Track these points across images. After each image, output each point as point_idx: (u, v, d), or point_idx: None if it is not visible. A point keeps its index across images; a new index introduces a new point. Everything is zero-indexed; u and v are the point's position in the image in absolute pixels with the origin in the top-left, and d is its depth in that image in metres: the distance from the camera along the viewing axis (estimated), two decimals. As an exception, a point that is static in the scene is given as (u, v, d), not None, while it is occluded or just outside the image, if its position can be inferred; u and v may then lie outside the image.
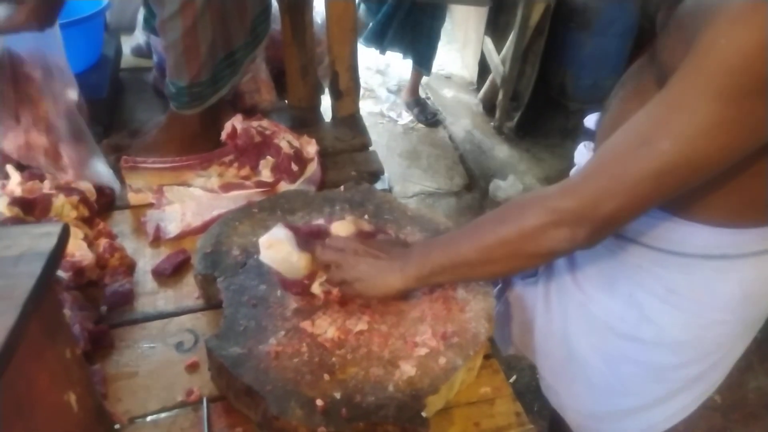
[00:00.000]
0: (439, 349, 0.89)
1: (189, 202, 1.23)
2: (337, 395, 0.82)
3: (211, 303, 1.04)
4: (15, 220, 1.05)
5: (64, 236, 0.60)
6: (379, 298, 0.93)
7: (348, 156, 1.48)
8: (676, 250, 0.83)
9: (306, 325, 0.92)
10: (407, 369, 0.86)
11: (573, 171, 1.00)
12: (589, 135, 1.01)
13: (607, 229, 0.75)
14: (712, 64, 0.62)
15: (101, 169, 1.24)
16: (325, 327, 0.91)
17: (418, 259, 0.88)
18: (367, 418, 0.80)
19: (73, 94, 1.19)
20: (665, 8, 0.81)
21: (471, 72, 3.50)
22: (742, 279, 0.84)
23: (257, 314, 0.93)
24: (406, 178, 2.74)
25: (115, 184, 1.25)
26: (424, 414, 0.82)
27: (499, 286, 1.16)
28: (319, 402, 0.81)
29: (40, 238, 0.60)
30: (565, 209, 0.74)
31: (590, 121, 1.04)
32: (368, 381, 0.85)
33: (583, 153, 1.00)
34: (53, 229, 0.60)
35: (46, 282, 0.57)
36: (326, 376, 0.85)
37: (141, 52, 1.77)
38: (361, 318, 0.93)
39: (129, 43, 1.78)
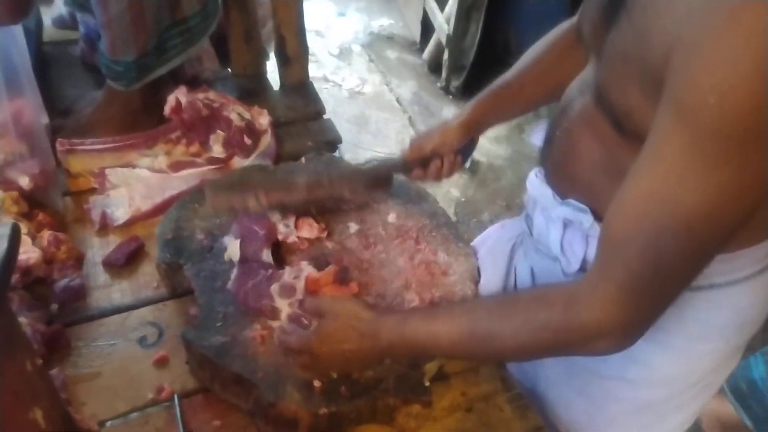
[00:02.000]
0: None
1: (136, 184, 1.15)
2: (334, 374, 0.80)
3: (177, 293, 0.98)
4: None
5: (15, 238, 0.53)
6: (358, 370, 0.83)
7: (302, 126, 1.41)
8: None
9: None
10: None
11: (529, 204, 0.93)
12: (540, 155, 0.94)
13: (652, 324, 0.67)
14: (710, 129, 0.52)
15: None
16: None
17: (408, 356, 0.81)
18: (368, 393, 0.79)
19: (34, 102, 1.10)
20: (589, 23, 0.74)
21: (414, 31, 3.43)
22: (737, 307, 0.77)
23: (234, 298, 0.88)
24: (356, 144, 2.69)
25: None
26: (426, 383, 0.81)
27: None
28: (316, 383, 0.78)
29: (-15, 243, 0.52)
30: (612, 325, 0.64)
31: (535, 137, 1.00)
32: None
33: (535, 184, 0.90)
34: (2, 231, 0.53)
35: (1, 292, 0.50)
36: None
37: (64, 23, 1.61)
38: (345, 292, 0.90)
39: (49, 14, 1.62)
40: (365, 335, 0.76)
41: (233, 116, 1.25)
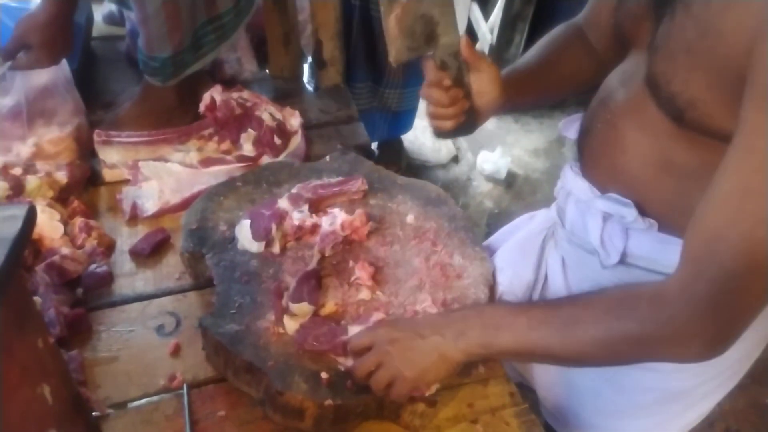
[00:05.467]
0: None
1: (167, 178, 1.18)
2: (342, 367, 0.81)
3: (199, 281, 1.01)
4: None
5: (29, 219, 0.56)
6: (442, 379, 0.80)
7: (333, 128, 1.43)
8: None
9: None
10: None
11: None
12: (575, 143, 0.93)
13: (745, 328, 0.64)
14: None
15: None
16: (324, 300, 0.89)
17: (479, 335, 0.75)
18: None
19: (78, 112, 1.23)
20: (629, 17, 0.75)
21: (457, 41, 3.43)
22: None
23: (251, 290, 0.90)
24: (391, 150, 2.69)
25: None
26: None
27: None
28: (324, 375, 0.79)
29: (3, 222, 0.55)
30: (703, 326, 0.62)
31: (565, 126, 0.97)
32: None
33: (570, 176, 0.89)
34: (18, 212, 0.55)
35: (12, 270, 0.53)
36: None
37: (113, 19, 1.68)
38: (360, 288, 0.91)
39: (101, 11, 1.69)
40: (442, 328, 0.77)
41: (265, 116, 1.27)
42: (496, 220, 2.44)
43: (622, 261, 0.81)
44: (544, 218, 1.02)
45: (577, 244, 0.89)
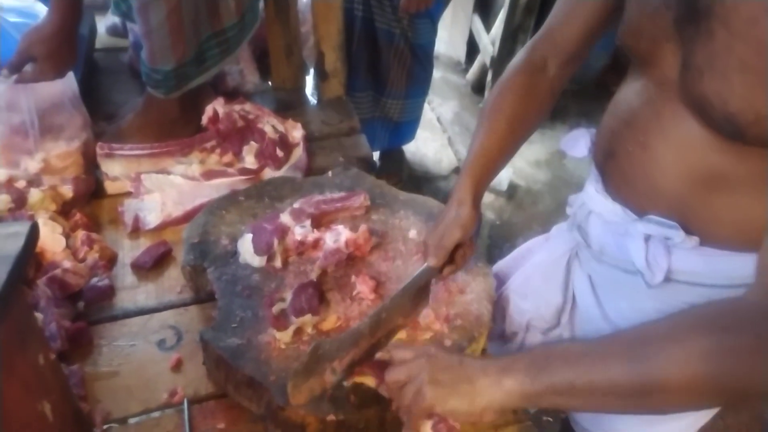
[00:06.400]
0: (444, 331, 0.89)
1: (169, 190, 1.18)
2: (345, 382, 0.80)
3: (200, 295, 1.00)
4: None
5: (32, 237, 0.56)
6: (466, 415, 0.68)
7: (335, 141, 1.43)
8: (736, 283, 0.75)
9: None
10: None
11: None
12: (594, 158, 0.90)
13: None
14: None
15: None
16: (326, 314, 0.89)
17: (526, 368, 0.65)
18: (377, 403, 0.79)
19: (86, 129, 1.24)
20: (644, 38, 0.73)
21: (459, 52, 3.44)
22: None
23: (253, 304, 0.90)
24: (393, 161, 2.70)
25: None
26: None
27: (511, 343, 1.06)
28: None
29: (6, 239, 0.55)
30: None
31: (567, 144, 0.95)
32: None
33: (597, 199, 0.86)
34: (20, 229, 0.55)
35: (14, 287, 0.52)
36: None
37: (116, 31, 1.69)
38: (362, 303, 0.91)
39: (104, 22, 1.70)
40: (487, 362, 0.68)
41: (267, 128, 1.27)
42: (498, 231, 2.44)
43: (666, 278, 0.80)
44: (563, 239, 1.00)
45: (609, 264, 0.88)
